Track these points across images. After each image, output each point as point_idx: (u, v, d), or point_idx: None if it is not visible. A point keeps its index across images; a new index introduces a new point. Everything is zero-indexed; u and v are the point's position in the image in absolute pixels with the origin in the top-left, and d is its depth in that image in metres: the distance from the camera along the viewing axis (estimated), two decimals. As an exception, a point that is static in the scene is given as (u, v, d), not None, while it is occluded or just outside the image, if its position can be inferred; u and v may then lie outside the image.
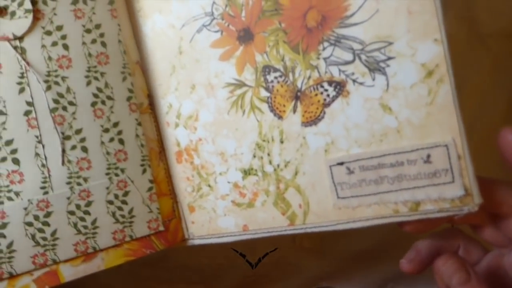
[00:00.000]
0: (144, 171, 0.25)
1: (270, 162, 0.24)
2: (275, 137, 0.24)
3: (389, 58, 0.21)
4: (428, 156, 0.21)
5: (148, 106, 0.26)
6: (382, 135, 0.22)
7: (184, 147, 0.26)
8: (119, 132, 0.24)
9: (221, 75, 0.25)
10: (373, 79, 0.21)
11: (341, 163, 0.23)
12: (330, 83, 0.22)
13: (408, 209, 0.22)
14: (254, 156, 0.25)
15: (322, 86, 0.23)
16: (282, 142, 0.24)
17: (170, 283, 0.46)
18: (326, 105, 0.23)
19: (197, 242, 0.27)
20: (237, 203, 0.25)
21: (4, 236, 0.20)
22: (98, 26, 0.24)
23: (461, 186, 0.20)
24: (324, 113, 0.23)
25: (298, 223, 0.24)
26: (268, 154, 0.24)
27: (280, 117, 0.24)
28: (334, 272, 0.47)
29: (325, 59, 0.22)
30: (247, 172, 0.25)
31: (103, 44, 0.24)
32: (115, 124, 0.24)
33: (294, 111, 0.23)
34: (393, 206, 0.22)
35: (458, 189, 0.20)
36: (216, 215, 0.26)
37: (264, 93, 0.24)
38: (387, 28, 0.21)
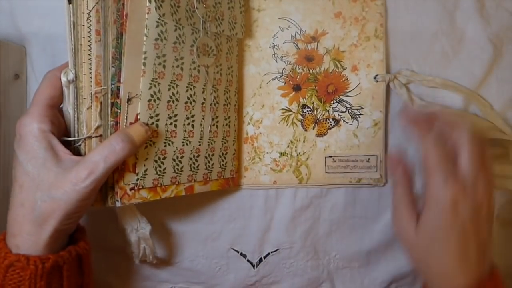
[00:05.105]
0: (233, 143, 0.47)
1: (296, 151, 0.49)
2: (301, 139, 0.49)
3: (360, 114, 0.48)
4: (368, 159, 0.48)
5: (237, 110, 0.48)
6: (350, 146, 0.49)
7: (250, 136, 0.49)
8: (226, 121, 0.46)
9: (279, 103, 0.49)
10: (352, 121, 0.48)
11: (330, 156, 0.49)
12: (333, 119, 0.49)
13: (355, 181, 0.49)
14: (288, 147, 0.49)
15: (328, 120, 0.49)
16: (304, 142, 0.49)
17: (170, 283, 0.49)
18: (329, 128, 0.49)
19: (245, 188, 0.50)
20: (273, 169, 0.49)
21: (181, 162, 0.41)
22: (230, 67, 0.46)
23: (379, 174, 0.48)
24: (327, 132, 0.49)
25: (303, 183, 0.49)
26: (296, 147, 0.49)
27: (305, 130, 0.49)
28: (334, 272, 0.50)
29: (333, 108, 0.49)
30: (282, 154, 0.49)
31: (231, 76, 0.46)
32: (223, 116, 0.45)
33: (313, 128, 0.49)
34: (349, 179, 0.49)
35: (377, 175, 0.48)
36: (260, 174, 0.49)
37: (299, 117, 0.49)
38: (362, 102, 0.48)
